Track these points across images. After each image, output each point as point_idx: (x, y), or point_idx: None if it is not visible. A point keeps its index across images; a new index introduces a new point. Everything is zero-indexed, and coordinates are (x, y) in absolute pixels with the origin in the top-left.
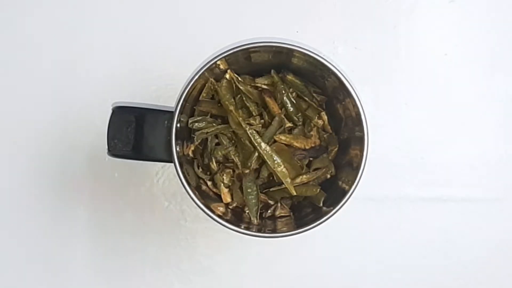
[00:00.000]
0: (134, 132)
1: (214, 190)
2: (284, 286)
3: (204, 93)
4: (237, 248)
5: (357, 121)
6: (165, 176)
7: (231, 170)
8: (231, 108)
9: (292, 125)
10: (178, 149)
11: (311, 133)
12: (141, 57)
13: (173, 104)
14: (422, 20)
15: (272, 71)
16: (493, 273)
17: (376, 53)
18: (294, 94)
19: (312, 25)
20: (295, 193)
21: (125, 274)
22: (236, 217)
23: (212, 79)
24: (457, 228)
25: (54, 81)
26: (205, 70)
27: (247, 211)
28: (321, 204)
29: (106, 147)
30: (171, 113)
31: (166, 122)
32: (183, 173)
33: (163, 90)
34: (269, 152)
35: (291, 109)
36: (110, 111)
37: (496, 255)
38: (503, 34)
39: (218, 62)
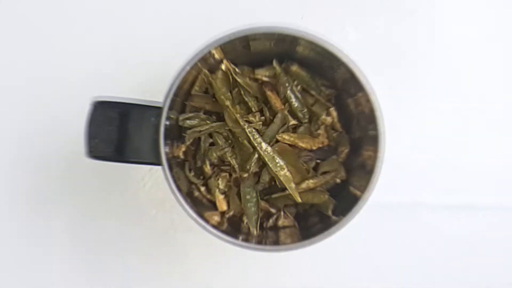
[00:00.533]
0: (117, 131)
1: (208, 196)
2: None
3: (196, 86)
4: (233, 262)
5: (370, 118)
6: (152, 181)
7: (227, 174)
8: (227, 103)
9: (296, 122)
10: (167, 150)
11: (319, 131)
12: (125, 45)
13: (161, 99)
14: (445, 3)
15: (274, 61)
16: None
17: (392, 41)
18: (299, 87)
19: (319, 10)
20: (300, 200)
21: (109, 285)
22: (233, 228)
23: (205, 70)
24: (479, 239)
25: (29, 72)
26: (198, 60)
27: (245, 221)
28: (330, 213)
29: (85, 148)
30: (159, 109)
31: (153, 119)
32: (172, 177)
33: (150, 82)
34: (271, 154)
35: (296, 104)
36: (89, 107)
37: (504, 264)
38: None
39: (213, 51)
